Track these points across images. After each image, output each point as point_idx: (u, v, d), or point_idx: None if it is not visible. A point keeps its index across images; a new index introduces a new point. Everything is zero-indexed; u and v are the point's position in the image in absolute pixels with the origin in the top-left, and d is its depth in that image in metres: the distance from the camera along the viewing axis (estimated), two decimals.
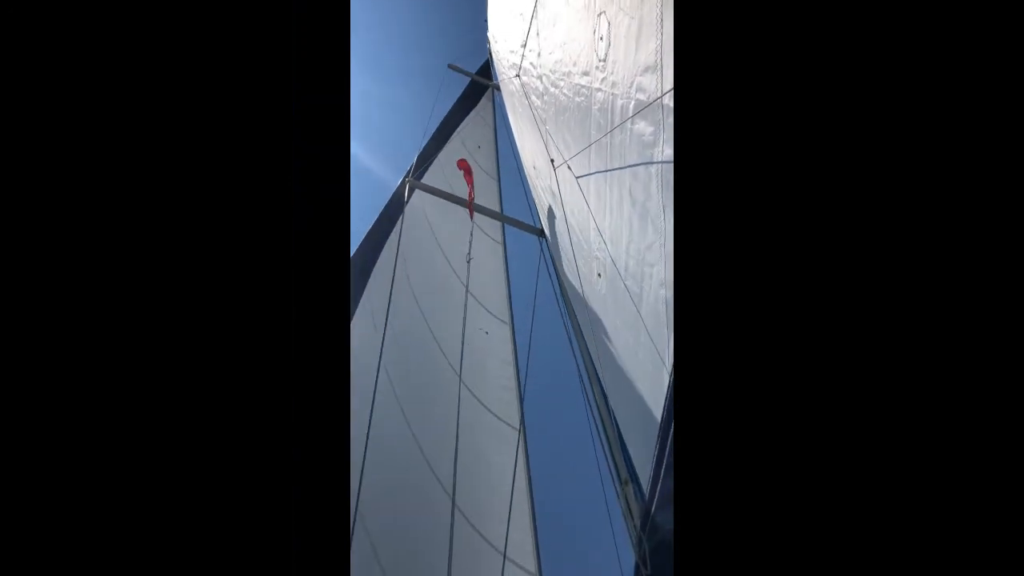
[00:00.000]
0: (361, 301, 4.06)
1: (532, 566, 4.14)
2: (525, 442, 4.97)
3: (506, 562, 3.71)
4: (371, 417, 3.17)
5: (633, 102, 2.32)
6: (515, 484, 4.27)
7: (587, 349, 3.67)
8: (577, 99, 3.17)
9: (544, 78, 3.95)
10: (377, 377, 3.47)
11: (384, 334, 3.81)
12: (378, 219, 4.97)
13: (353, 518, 2.73)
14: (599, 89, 2.75)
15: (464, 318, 4.90)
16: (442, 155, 6.74)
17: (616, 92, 2.52)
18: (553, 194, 3.86)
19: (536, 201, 4.90)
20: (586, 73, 2.96)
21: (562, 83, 3.47)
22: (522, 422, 5.16)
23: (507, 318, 6.31)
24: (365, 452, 2.97)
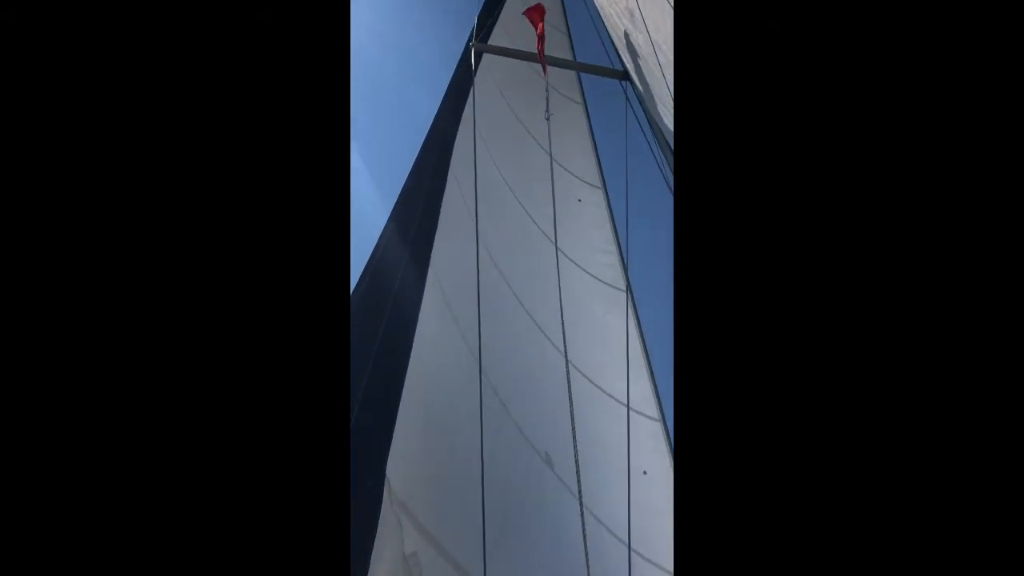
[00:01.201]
0: (448, 180, 4.00)
1: (655, 413, 4.25)
2: (633, 301, 4.92)
3: (630, 412, 3.82)
4: (479, 291, 3.23)
5: None
6: (629, 341, 4.29)
7: None
8: None
9: None
10: (478, 253, 3.49)
11: (476, 212, 3.78)
12: (447, 94, 4.74)
13: (480, 378, 2.89)
14: None
15: (553, 188, 4.72)
16: (504, 13, 6.15)
17: None
18: (631, 14, 3.36)
19: (613, 37, 4.36)
20: None
21: None
22: (628, 282, 5.08)
23: (598, 182, 6.02)
24: (479, 319, 3.06)
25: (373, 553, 1.72)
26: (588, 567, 2.01)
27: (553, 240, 4.53)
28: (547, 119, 4.26)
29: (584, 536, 2.12)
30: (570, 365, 3.40)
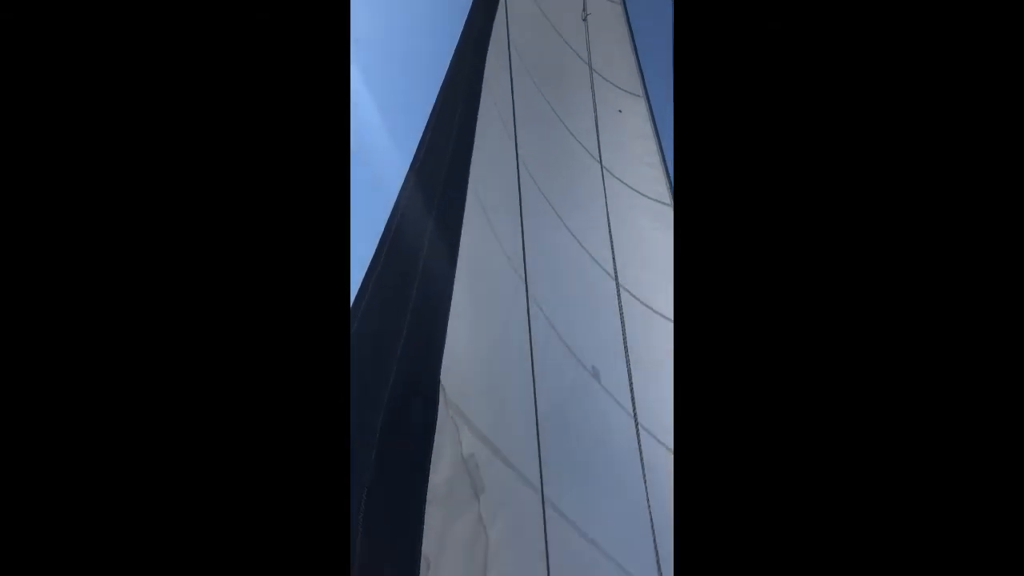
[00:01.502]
0: (482, 97, 3.85)
1: None
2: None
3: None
4: (521, 210, 3.19)
5: None
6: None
7: None
8: None
9: None
10: (519, 176, 3.40)
11: (515, 133, 3.65)
12: (474, 5, 4.45)
13: (527, 298, 2.91)
14: None
15: (594, 100, 4.47)
16: None
17: None
18: None
19: None
20: None
21: None
22: (673, 196, 4.90)
23: (639, 90, 5.67)
24: (523, 243, 3.04)
25: (433, 454, 1.82)
26: (643, 468, 2.09)
27: (596, 157, 4.37)
28: (584, 20, 3.97)
29: (639, 443, 2.19)
30: (616, 280, 3.38)
